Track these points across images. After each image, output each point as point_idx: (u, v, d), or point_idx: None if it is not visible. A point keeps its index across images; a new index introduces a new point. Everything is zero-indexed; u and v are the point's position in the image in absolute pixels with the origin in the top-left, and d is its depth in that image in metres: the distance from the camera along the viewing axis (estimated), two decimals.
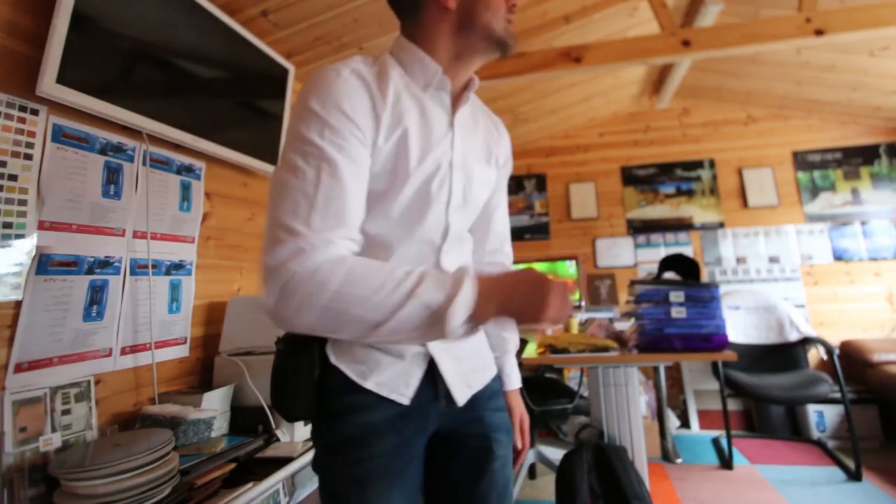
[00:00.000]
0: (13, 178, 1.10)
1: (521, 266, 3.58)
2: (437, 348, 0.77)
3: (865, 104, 3.21)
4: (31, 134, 1.14)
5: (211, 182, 1.72)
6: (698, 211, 3.63)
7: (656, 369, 3.08)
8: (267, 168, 1.86)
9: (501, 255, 1.00)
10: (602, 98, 3.55)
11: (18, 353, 1.09)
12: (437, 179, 0.74)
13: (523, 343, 2.15)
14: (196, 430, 1.29)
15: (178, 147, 1.55)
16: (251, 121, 1.80)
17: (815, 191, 3.46)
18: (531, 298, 0.61)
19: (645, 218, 3.71)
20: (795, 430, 3.00)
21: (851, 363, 3.05)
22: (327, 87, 0.66)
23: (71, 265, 1.21)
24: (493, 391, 0.88)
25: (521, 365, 1.08)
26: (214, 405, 1.38)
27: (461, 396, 0.79)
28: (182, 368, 1.56)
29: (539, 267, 3.33)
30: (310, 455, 1.27)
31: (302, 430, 1.41)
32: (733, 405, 3.21)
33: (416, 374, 0.76)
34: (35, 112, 1.15)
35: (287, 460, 1.25)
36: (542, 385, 2.45)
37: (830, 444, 2.81)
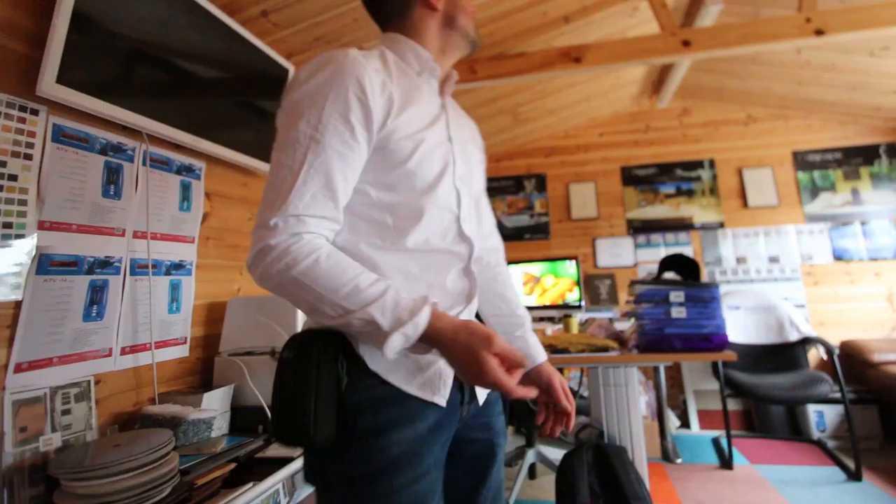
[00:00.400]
0: (13, 178, 1.10)
1: (521, 266, 3.52)
2: None
3: (865, 104, 3.21)
4: (31, 134, 1.14)
5: (211, 182, 1.72)
6: (698, 211, 3.63)
7: (656, 369, 3.08)
8: (267, 168, 1.85)
9: (494, 240, 1.00)
10: (602, 98, 3.55)
11: (18, 353, 1.09)
12: (441, 152, 0.76)
13: None
14: (196, 430, 1.29)
15: (178, 147, 1.55)
16: (251, 121, 1.80)
17: (815, 191, 3.46)
18: (467, 364, 0.62)
19: (645, 218, 3.71)
20: (795, 430, 3.00)
21: (851, 363, 3.05)
22: (338, 67, 0.67)
23: (71, 265, 1.21)
24: (496, 395, 0.87)
25: None
26: (214, 405, 1.38)
27: (483, 394, 0.79)
28: (182, 368, 1.56)
29: (539, 267, 3.33)
30: None
31: None
32: (733, 405, 3.21)
33: (449, 371, 0.72)
34: (35, 112, 1.15)
35: (287, 460, 1.25)
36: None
37: (830, 444, 2.81)
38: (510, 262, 3.46)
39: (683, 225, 3.64)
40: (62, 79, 1.13)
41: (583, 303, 3.23)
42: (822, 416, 2.88)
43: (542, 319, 3.26)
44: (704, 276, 3.51)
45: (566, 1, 2.33)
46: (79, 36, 1.16)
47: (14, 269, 1.09)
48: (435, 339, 0.63)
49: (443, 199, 0.76)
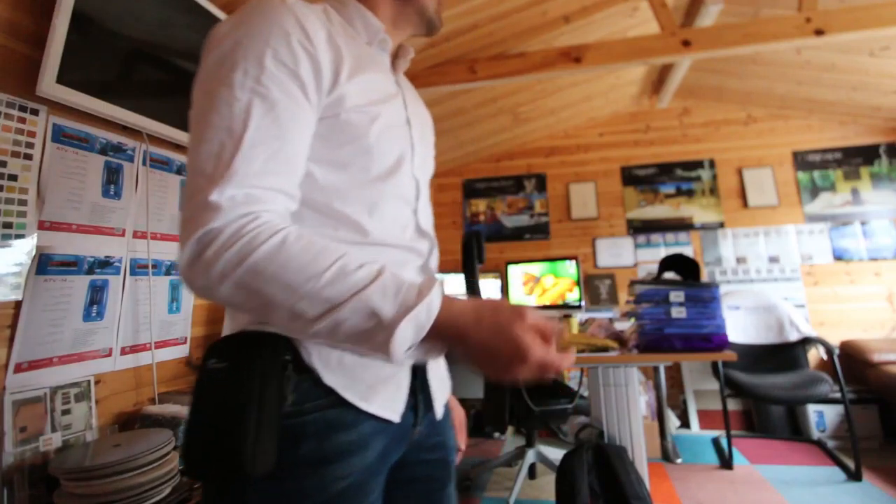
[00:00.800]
0: (13, 178, 1.10)
1: (521, 266, 3.51)
2: None
3: (865, 104, 3.21)
4: (31, 134, 1.14)
5: None
6: (698, 211, 3.63)
7: (656, 369, 3.08)
8: None
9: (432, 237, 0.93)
10: (602, 98, 3.55)
11: (18, 353, 1.09)
12: (400, 133, 0.66)
13: None
14: None
15: (178, 147, 1.55)
16: None
17: (815, 191, 3.46)
18: (499, 352, 0.50)
19: (645, 218, 3.71)
20: (795, 430, 3.00)
21: (851, 363, 3.05)
22: (273, 9, 0.54)
23: (71, 265, 1.21)
24: (448, 408, 0.77)
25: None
26: None
27: (440, 410, 0.69)
28: (182, 368, 1.56)
29: (539, 267, 3.33)
30: None
31: None
32: (733, 405, 3.21)
33: (404, 385, 0.62)
34: (35, 112, 1.15)
35: None
36: (541, 385, 2.45)
37: (830, 444, 2.81)
38: (510, 262, 3.46)
39: (683, 225, 3.64)
40: (62, 79, 1.13)
41: (583, 303, 3.23)
42: (822, 416, 2.88)
43: None
44: (704, 276, 3.51)
45: (566, 1, 2.33)
46: (79, 36, 1.16)
47: (14, 269, 1.09)
48: (451, 325, 0.50)
49: (401, 188, 0.65)
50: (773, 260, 3.45)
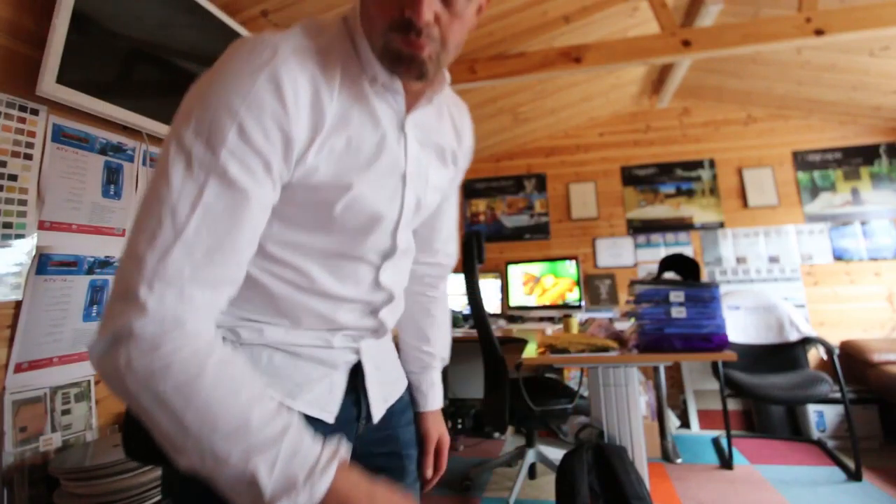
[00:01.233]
0: (13, 178, 1.10)
1: (521, 266, 3.52)
2: (367, 353, 0.67)
3: (865, 104, 3.21)
4: (31, 134, 1.14)
5: None
6: (698, 211, 3.63)
7: (656, 369, 3.08)
8: None
9: (443, 256, 0.88)
10: (602, 98, 3.55)
11: (18, 353, 1.09)
12: (382, 196, 0.60)
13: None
14: None
15: None
16: None
17: (815, 191, 3.46)
18: None
19: (645, 218, 3.71)
20: (795, 430, 3.00)
21: (851, 363, 3.05)
22: (251, 73, 0.50)
23: (71, 265, 1.21)
24: (404, 404, 0.79)
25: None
26: None
27: (378, 413, 0.69)
28: None
29: (539, 267, 3.34)
30: None
31: None
32: (733, 405, 3.21)
33: (339, 385, 0.64)
34: (35, 112, 1.15)
35: None
36: (542, 385, 2.45)
37: (830, 444, 2.81)
38: (510, 262, 3.46)
39: (683, 225, 3.64)
40: (62, 79, 1.13)
41: (583, 303, 3.23)
42: (822, 416, 2.88)
43: (542, 319, 3.27)
44: (704, 276, 3.51)
45: (566, 1, 2.33)
46: (79, 36, 1.16)
47: (14, 269, 1.09)
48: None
49: (366, 251, 0.62)
50: (773, 260, 3.45)
